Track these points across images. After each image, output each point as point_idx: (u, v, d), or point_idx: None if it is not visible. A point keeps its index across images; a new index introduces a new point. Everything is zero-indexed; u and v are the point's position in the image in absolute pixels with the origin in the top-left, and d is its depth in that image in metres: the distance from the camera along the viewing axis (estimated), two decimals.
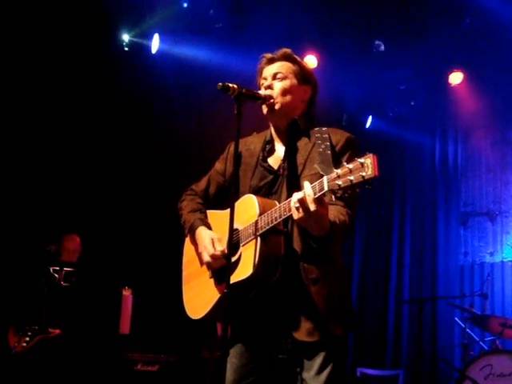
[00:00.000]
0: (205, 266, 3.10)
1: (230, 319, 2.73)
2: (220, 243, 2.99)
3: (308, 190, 2.55)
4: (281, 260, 2.79)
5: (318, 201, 2.55)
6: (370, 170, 2.36)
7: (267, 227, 2.77)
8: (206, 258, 3.00)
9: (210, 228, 3.14)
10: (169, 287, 6.94)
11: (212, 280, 3.04)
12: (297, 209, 2.59)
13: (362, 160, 2.39)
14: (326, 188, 2.50)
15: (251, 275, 2.74)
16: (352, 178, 2.40)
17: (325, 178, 2.51)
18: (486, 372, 6.29)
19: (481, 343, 7.06)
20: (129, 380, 6.44)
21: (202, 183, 3.37)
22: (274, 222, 2.74)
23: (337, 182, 2.45)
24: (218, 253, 2.96)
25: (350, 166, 2.42)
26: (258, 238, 2.79)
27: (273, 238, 2.80)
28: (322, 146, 2.74)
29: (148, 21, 7.45)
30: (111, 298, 6.53)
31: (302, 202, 2.55)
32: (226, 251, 2.87)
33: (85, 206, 7.30)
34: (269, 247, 2.79)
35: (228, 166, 3.24)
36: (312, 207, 2.55)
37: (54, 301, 6.04)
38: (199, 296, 3.10)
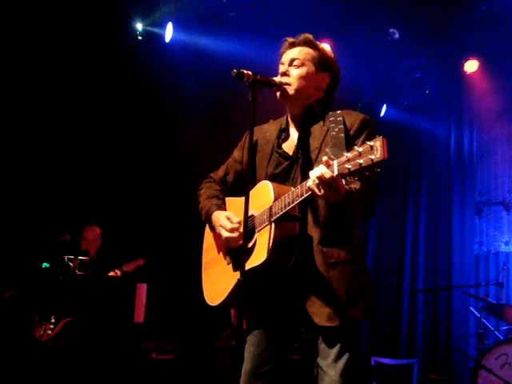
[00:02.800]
0: (222, 254, 3.11)
1: (246, 305, 2.73)
2: (236, 217, 2.99)
3: (323, 169, 2.54)
4: (296, 245, 2.78)
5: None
6: (379, 152, 2.34)
7: (281, 213, 2.76)
8: (225, 233, 2.99)
9: None
10: (183, 276, 6.99)
11: (229, 266, 3.05)
12: (317, 186, 2.57)
13: (371, 143, 2.38)
14: (336, 172, 2.49)
15: (265, 261, 2.74)
16: (361, 161, 2.39)
17: (335, 162, 2.50)
18: (502, 361, 6.26)
19: (496, 332, 7.03)
20: (143, 368, 6.47)
21: (220, 171, 3.38)
22: (287, 208, 2.73)
23: (346, 165, 2.44)
24: (235, 225, 2.96)
25: (360, 149, 2.41)
26: (272, 224, 2.78)
27: (287, 223, 2.79)
28: (336, 130, 2.73)
29: (162, 9, 7.44)
30: (125, 287, 6.56)
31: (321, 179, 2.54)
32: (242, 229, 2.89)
33: (101, 195, 7.33)
34: (283, 233, 2.78)
35: (245, 154, 3.22)
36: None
37: (69, 289, 6.08)
38: (217, 283, 3.11)
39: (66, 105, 7.11)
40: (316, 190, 2.58)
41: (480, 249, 8.59)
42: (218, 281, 3.11)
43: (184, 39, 7.61)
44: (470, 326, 7.99)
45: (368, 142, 2.38)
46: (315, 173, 2.56)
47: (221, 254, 3.14)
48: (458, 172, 9.02)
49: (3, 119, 6.66)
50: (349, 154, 2.44)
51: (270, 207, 2.81)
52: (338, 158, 2.50)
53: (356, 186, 2.75)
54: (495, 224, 8.57)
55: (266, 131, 3.21)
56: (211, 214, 3.15)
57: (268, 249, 2.74)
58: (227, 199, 3.27)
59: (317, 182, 2.55)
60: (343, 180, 2.59)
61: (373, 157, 2.35)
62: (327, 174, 2.51)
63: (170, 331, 6.97)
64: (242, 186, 3.25)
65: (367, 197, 2.82)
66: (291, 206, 2.72)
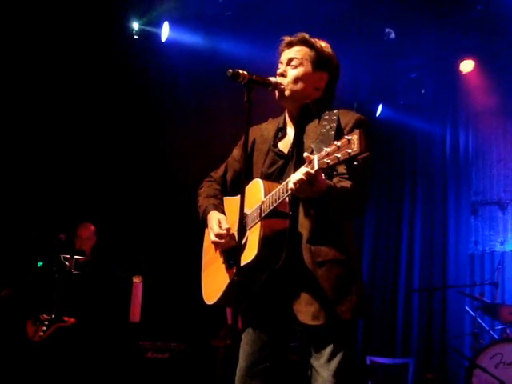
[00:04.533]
0: (219, 252, 3.13)
1: (239, 304, 2.74)
2: (227, 223, 3.03)
3: (303, 170, 2.58)
4: (285, 243, 2.80)
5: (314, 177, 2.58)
6: (355, 146, 2.37)
7: (268, 210, 2.78)
8: (212, 237, 3.03)
9: (223, 213, 3.16)
10: (179, 275, 7.00)
11: (224, 265, 3.07)
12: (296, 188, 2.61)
13: (349, 137, 2.41)
14: (316, 167, 2.51)
15: (255, 258, 2.76)
16: (339, 155, 2.42)
17: (315, 157, 2.53)
18: (497, 360, 6.29)
19: (491, 332, 7.05)
20: (139, 368, 6.47)
21: (220, 170, 3.39)
22: (274, 205, 2.76)
23: (325, 160, 2.47)
24: (222, 231, 2.99)
25: (339, 143, 2.44)
26: (262, 221, 2.81)
27: (277, 220, 2.81)
28: (327, 127, 2.73)
29: (158, 9, 7.44)
30: (121, 286, 6.55)
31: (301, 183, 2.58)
32: (235, 233, 2.91)
33: (98, 193, 7.33)
34: (272, 230, 2.80)
35: (244, 153, 3.23)
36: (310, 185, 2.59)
37: (65, 289, 6.07)
38: (213, 281, 3.13)
39: (62, 104, 7.10)
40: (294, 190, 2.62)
41: (475, 248, 8.62)
42: (214, 279, 3.14)
43: (180, 38, 7.61)
44: (465, 325, 8.01)
45: (346, 136, 2.42)
46: (300, 169, 2.60)
47: (217, 253, 3.15)
48: (453, 172, 9.03)
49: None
50: (328, 149, 2.47)
51: (260, 205, 2.84)
52: (318, 153, 2.53)
53: (345, 184, 2.77)
54: (490, 224, 8.60)
55: (264, 130, 3.23)
56: (207, 214, 3.16)
57: (257, 246, 2.76)
58: (225, 199, 3.29)
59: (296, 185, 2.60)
60: (336, 177, 2.68)
61: (350, 150, 2.38)
62: (306, 169, 2.55)
63: (166, 330, 6.96)
64: (240, 184, 3.26)
65: (357, 195, 2.82)
66: (278, 202, 2.75)
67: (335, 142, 2.45)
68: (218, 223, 3.04)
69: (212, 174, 3.43)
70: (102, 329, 6.25)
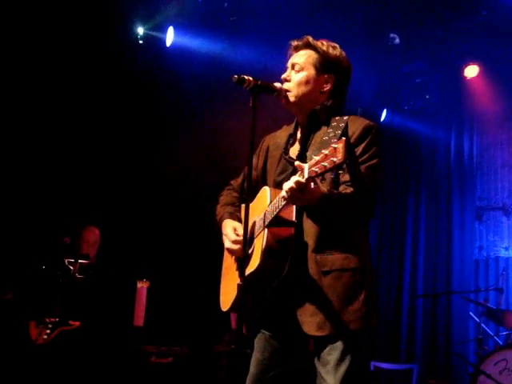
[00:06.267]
0: (233, 260, 3.14)
1: (248, 311, 2.74)
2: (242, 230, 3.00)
3: (295, 179, 2.56)
4: (290, 251, 2.79)
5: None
6: (340, 154, 2.36)
7: (271, 218, 2.78)
8: (228, 244, 3.05)
9: (239, 221, 3.16)
10: (184, 280, 7.00)
11: (237, 273, 3.07)
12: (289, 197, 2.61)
13: (335, 145, 2.40)
14: (306, 175, 2.49)
15: (259, 266, 2.76)
16: (325, 163, 2.40)
17: (306, 166, 2.50)
18: (501, 367, 6.27)
19: (495, 338, 7.04)
20: (142, 372, 6.47)
21: (240, 178, 3.42)
22: (275, 213, 2.74)
23: (313, 168, 2.45)
24: (239, 237, 2.99)
25: (326, 151, 2.42)
26: (266, 229, 2.81)
27: (281, 228, 2.80)
28: (331, 135, 2.64)
29: (162, 14, 7.46)
30: (125, 290, 6.56)
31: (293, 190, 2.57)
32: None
33: (102, 198, 7.33)
34: (277, 238, 2.79)
35: (259, 161, 3.24)
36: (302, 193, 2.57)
37: (69, 293, 6.08)
38: (227, 289, 3.15)
39: (67, 109, 7.11)
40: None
41: (480, 254, 8.60)
42: (228, 287, 3.15)
43: (185, 43, 7.63)
44: (470, 331, 8.00)
45: (333, 145, 2.40)
46: (291, 178, 2.59)
47: (232, 260, 3.17)
48: (458, 177, 9.03)
49: (3, 123, 6.67)
50: (317, 157, 2.45)
51: (265, 213, 2.84)
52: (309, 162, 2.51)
53: (347, 191, 2.75)
54: (495, 229, 8.58)
55: (277, 137, 3.22)
56: (222, 222, 3.19)
57: (261, 254, 2.76)
58: (243, 206, 3.26)
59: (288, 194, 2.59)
60: (342, 185, 2.69)
61: (335, 159, 2.37)
62: (296, 178, 2.53)
63: (170, 335, 6.96)
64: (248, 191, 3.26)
65: (359, 202, 2.77)
66: (278, 210, 2.73)
67: (323, 151, 2.43)
68: (233, 230, 3.06)
69: (232, 182, 3.46)
70: (106, 333, 6.25)
